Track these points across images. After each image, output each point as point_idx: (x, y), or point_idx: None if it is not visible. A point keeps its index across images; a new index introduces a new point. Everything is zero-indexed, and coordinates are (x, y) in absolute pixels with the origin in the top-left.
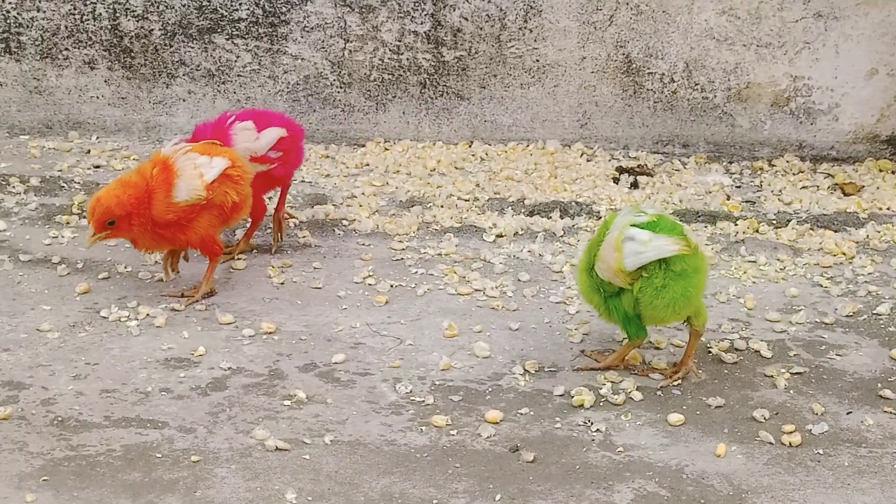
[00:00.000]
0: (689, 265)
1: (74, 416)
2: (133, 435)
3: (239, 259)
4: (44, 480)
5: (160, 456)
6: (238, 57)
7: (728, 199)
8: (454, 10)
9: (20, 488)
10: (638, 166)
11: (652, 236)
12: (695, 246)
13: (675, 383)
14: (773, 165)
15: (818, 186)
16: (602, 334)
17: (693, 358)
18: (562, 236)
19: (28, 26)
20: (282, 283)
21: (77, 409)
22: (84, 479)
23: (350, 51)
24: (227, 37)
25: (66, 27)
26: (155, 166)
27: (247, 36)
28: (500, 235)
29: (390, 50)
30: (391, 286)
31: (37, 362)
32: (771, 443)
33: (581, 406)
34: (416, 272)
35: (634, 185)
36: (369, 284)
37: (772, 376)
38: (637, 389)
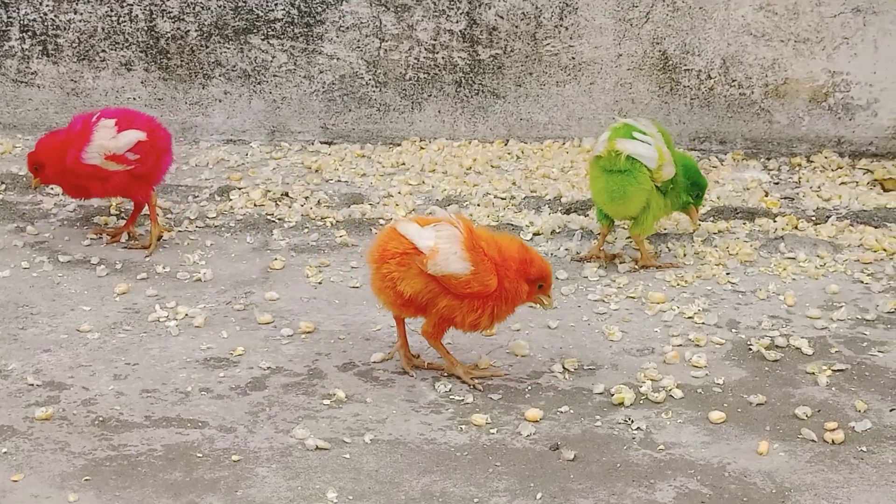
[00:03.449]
0: (612, 165)
1: (115, 415)
2: (174, 434)
3: (276, 259)
4: (86, 480)
5: (201, 455)
6: (274, 57)
7: (766, 196)
8: (489, 8)
9: (62, 488)
10: None
11: (604, 139)
12: (617, 152)
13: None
14: (812, 162)
15: (857, 182)
16: (641, 332)
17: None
18: (598, 234)
19: (65, 28)
20: (319, 283)
21: (118, 409)
22: (126, 479)
23: (385, 50)
24: (262, 37)
25: (103, 29)
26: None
27: (282, 36)
28: (537, 233)
29: (426, 49)
30: None
31: (77, 363)
32: (814, 440)
33: (621, 404)
34: None
35: None
36: None
37: (813, 373)
38: (677, 387)
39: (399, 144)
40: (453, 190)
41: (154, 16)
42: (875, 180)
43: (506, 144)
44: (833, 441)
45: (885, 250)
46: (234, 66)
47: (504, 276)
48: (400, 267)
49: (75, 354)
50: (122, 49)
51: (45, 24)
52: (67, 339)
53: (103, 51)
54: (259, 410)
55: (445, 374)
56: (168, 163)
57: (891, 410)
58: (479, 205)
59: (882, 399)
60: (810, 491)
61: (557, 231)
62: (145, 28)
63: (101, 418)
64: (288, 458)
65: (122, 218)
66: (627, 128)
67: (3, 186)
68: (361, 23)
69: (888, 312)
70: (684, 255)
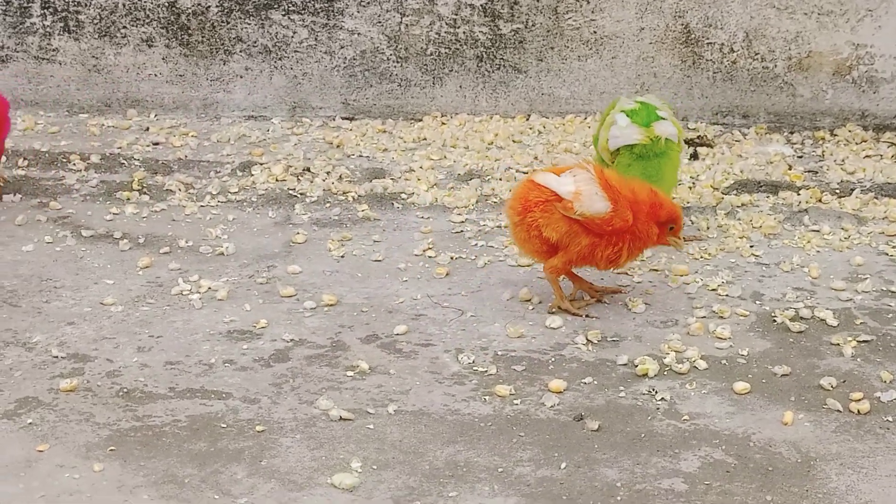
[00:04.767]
0: (649, 150)
1: (140, 387)
2: (198, 406)
3: (298, 234)
4: (111, 451)
5: (225, 426)
6: (295, 33)
7: (790, 170)
8: None
9: (88, 458)
10: (698, 137)
11: (628, 124)
12: (658, 137)
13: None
14: (835, 135)
15: (881, 156)
16: (665, 304)
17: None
18: None
19: (86, 5)
20: (342, 256)
21: (142, 381)
22: (150, 449)
23: (406, 25)
24: (283, 12)
25: (124, 5)
26: None
27: (303, 11)
28: None
29: (447, 23)
30: (451, 258)
31: (101, 335)
32: (839, 410)
33: (645, 375)
34: (476, 244)
35: (694, 157)
36: (429, 257)
37: (838, 344)
38: (701, 358)
39: (420, 120)
40: (475, 165)
41: None
42: None
43: (527, 119)
44: (858, 411)
45: None
46: (255, 42)
47: (637, 215)
48: (544, 214)
49: (99, 327)
50: (143, 25)
51: (66, 0)
52: (91, 313)
53: (124, 27)
54: (283, 382)
55: (555, 309)
56: (6, 130)
57: None
58: (501, 179)
59: None
60: (836, 460)
61: None
62: (166, 4)
63: (125, 389)
64: (312, 429)
65: (146, 193)
66: (646, 108)
67: (27, 163)
68: None
69: None
70: (707, 227)
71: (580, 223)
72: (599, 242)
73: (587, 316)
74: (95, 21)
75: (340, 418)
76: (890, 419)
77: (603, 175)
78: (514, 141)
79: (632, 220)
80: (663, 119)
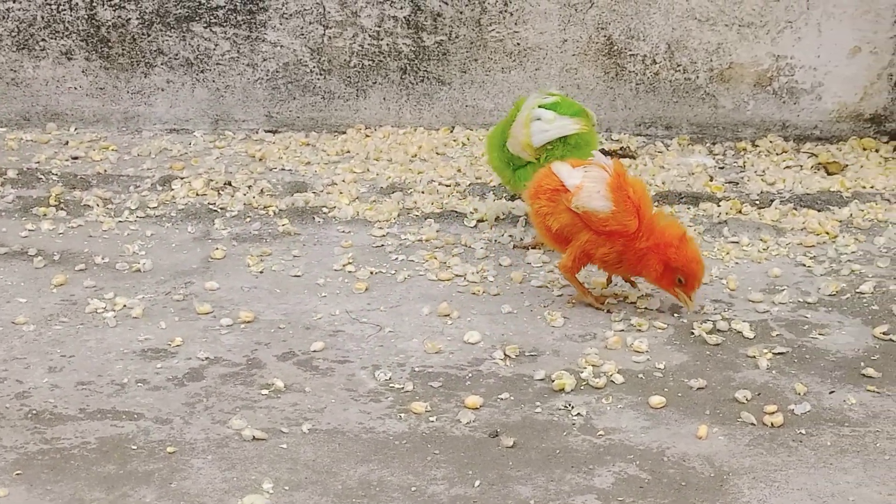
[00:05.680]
0: (582, 139)
1: (49, 409)
2: (108, 427)
3: (217, 249)
4: (17, 475)
5: (135, 448)
6: (217, 45)
7: (711, 181)
8: None
9: None
10: (620, 149)
11: (555, 116)
12: (593, 123)
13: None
14: (757, 146)
15: (801, 166)
16: (584, 318)
17: None
18: None
19: (3, 17)
20: (260, 272)
21: (52, 402)
22: (58, 473)
23: (329, 37)
24: (205, 24)
25: (43, 17)
26: None
27: (225, 24)
28: (481, 220)
29: (370, 36)
30: (371, 273)
31: (11, 355)
32: (753, 424)
33: (562, 390)
34: (397, 258)
35: None
36: (349, 272)
37: (754, 357)
38: (618, 372)
39: (344, 132)
40: (398, 178)
41: (94, 4)
42: (819, 164)
43: (451, 131)
44: (772, 424)
45: (827, 233)
46: (177, 55)
47: (646, 236)
48: (549, 203)
49: (9, 347)
50: (62, 38)
51: None
52: (2, 332)
53: (43, 40)
54: (196, 401)
55: (576, 302)
56: None
57: (830, 393)
58: (423, 192)
59: (821, 382)
60: (749, 474)
61: (501, 218)
62: (86, 16)
63: (34, 411)
64: (224, 450)
65: (63, 209)
66: (565, 100)
67: None
68: (305, 9)
69: (829, 295)
70: None
71: (581, 217)
72: (597, 240)
73: (609, 311)
74: (13, 34)
75: (253, 438)
76: (803, 432)
77: (620, 180)
78: (437, 153)
79: (634, 227)
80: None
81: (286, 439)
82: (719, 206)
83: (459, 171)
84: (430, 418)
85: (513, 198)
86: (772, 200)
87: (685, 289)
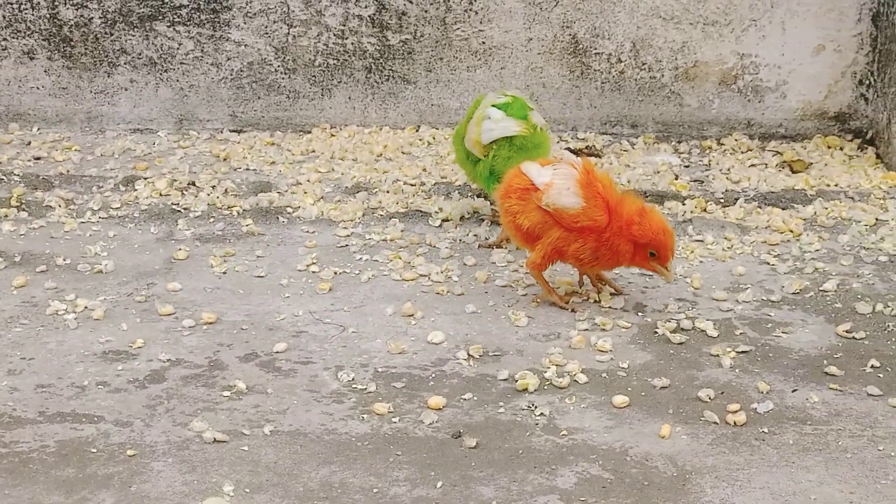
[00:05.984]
0: (529, 142)
1: (8, 412)
2: (68, 430)
3: (180, 250)
4: None
5: (95, 451)
6: (180, 44)
7: (676, 179)
8: None
9: None
10: (586, 147)
11: (503, 117)
12: (535, 126)
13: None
14: (722, 144)
15: (766, 164)
16: (548, 317)
17: None
18: None
19: None
20: (224, 273)
21: (11, 406)
22: (16, 477)
23: (294, 36)
24: (168, 24)
25: (4, 17)
26: None
27: (189, 23)
28: (446, 220)
29: (335, 35)
30: (335, 273)
31: None
32: (716, 422)
33: (525, 390)
34: (361, 258)
35: None
36: (313, 272)
37: (717, 355)
38: (582, 372)
39: (309, 132)
40: (363, 177)
41: (56, 3)
42: (784, 162)
43: (417, 130)
44: (735, 423)
45: (791, 231)
46: (140, 54)
47: (612, 225)
48: (520, 201)
49: None
50: (24, 37)
51: None
52: None
53: (4, 39)
54: (157, 404)
55: (540, 301)
56: None
57: (793, 391)
58: (388, 192)
59: (784, 380)
60: (711, 473)
61: (467, 217)
62: (48, 15)
63: None
64: (184, 452)
65: (24, 210)
66: (518, 102)
67: None
68: (269, 8)
69: (793, 293)
70: None
71: (551, 215)
72: (568, 237)
73: (573, 310)
74: None
75: (214, 440)
76: (765, 430)
77: (589, 176)
78: (403, 153)
79: (605, 222)
80: (533, 110)
81: (247, 441)
82: (684, 204)
83: (425, 170)
84: (393, 419)
85: (478, 196)
86: (736, 199)
87: (660, 261)
